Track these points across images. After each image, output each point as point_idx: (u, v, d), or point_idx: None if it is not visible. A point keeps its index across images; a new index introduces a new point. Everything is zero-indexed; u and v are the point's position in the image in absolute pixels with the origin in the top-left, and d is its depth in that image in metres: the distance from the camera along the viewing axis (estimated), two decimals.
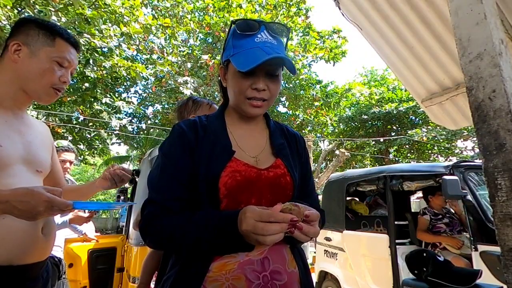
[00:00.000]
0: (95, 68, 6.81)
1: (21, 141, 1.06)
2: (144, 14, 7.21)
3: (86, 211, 2.44)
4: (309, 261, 5.01)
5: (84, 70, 6.82)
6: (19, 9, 5.64)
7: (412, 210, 4.72)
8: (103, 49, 7.01)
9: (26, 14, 5.36)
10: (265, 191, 0.89)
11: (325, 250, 4.36)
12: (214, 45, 11.82)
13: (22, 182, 1.00)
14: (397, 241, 3.33)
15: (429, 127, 14.19)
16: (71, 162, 2.64)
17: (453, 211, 3.74)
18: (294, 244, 0.92)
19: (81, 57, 6.81)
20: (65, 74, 1.11)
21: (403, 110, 15.32)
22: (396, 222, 3.47)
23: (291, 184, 0.92)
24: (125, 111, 11.87)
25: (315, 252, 4.78)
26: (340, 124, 17.56)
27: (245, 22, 0.91)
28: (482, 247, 2.60)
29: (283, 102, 13.76)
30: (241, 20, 0.93)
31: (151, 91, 11.67)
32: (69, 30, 1.18)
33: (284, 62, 0.88)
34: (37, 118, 7.90)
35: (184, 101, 1.42)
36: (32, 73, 1.06)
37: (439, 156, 16.63)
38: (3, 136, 1.01)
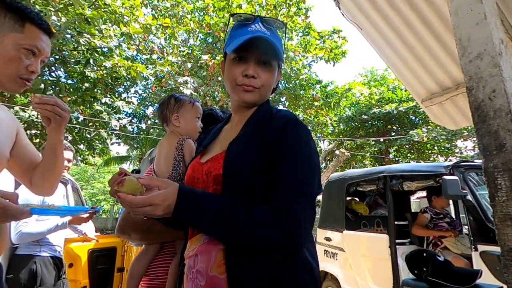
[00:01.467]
0: (95, 68, 6.81)
1: None
2: (144, 14, 7.21)
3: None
4: None
5: (84, 70, 6.82)
6: None
7: (412, 210, 4.72)
8: (103, 49, 7.01)
9: None
10: (201, 185, 0.90)
11: (325, 250, 4.36)
12: (214, 45, 11.81)
13: None
14: (397, 241, 3.33)
15: (429, 127, 14.19)
16: (69, 161, 2.65)
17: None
18: (233, 246, 0.81)
19: (81, 57, 6.82)
20: (34, 63, 0.99)
21: (403, 110, 15.31)
22: (396, 222, 3.47)
23: (220, 175, 0.85)
24: (125, 111, 11.87)
25: None
26: (340, 124, 17.55)
27: (240, 14, 0.96)
28: (482, 247, 2.60)
29: (283, 102, 13.76)
30: (238, 13, 0.97)
31: (151, 91, 11.67)
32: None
33: (269, 43, 0.88)
34: (36, 118, 7.90)
35: (165, 99, 1.34)
36: None
37: (439, 156, 16.63)
38: None
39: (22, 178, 1.16)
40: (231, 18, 0.98)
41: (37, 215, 1.05)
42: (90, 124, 9.48)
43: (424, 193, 4.60)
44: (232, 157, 0.86)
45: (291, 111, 0.97)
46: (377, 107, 16.36)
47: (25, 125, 7.86)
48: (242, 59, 0.91)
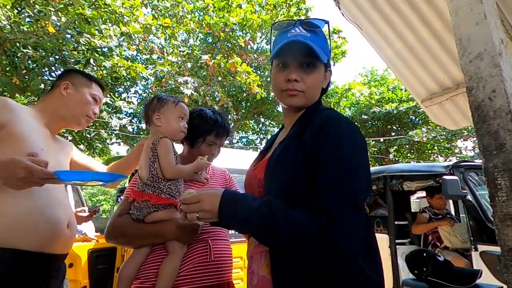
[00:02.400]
0: (95, 68, 6.80)
1: (54, 157, 1.33)
2: (144, 14, 7.20)
3: (86, 210, 2.43)
4: None
5: (84, 70, 6.81)
6: (19, 9, 5.64)
7: (412, 210, 4.72)
8: (103, 49, 7.01)
9: (26, 14, 5.36)
10: (252, 189, 0.97)
11: None
12: (214, 45, 11.82)
13: (54, 185, 1.20)
14: (397, 241, 3.33)
15: (429, 127, 14.19)
16: None
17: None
18: (274, 249, 0.84)
19: (81, 57, 6.81)
20: (96, 109, 1.48)
21: (403, 110, 15.31)
22: (396, 222, 3.47)
23: (262, 180, 0.90)
24: (125, 111, 11.87)
25: None
26: None
27: (281, 22, 0.99)
28: (482, 247, 2.60)
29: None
30: (279, 21, 1.00)
31: (151, 91, 11.66)
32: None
33: (306, 45, 0.87)
34: None
35: (149, 99, 1.35)
36: (76, 103, 1.40)
37: (439, 156, 16.63)
38: (44, 144, 1.28)
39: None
40: (272, 28, 1.00)
41: (64, 180, 1.10)
42: (90, 124, 9.49)
43: (424, 193, 4.59)
44: (273, 161, 0.89)
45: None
46: (377, 107, 16.35)
47: None
48: (284, 65, 0.93)
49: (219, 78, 9.80)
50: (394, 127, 16.90)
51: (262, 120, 15.51)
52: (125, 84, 10.69)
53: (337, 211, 0.75)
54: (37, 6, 5.36)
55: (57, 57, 6.82)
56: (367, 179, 0.83)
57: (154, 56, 10.58)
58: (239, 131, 15.45)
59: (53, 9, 5.37)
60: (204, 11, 11.66)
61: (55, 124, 1.40)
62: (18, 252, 1.09)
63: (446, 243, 3.25)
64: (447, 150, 15.72)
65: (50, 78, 7.92)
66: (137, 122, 13.72)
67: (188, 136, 1.33)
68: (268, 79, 12.07)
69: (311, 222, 0.75)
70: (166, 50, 10.24)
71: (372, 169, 4.15)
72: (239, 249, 3.13)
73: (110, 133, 11.20)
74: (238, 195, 0.85)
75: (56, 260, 1.25)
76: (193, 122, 1.35)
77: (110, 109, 9.63)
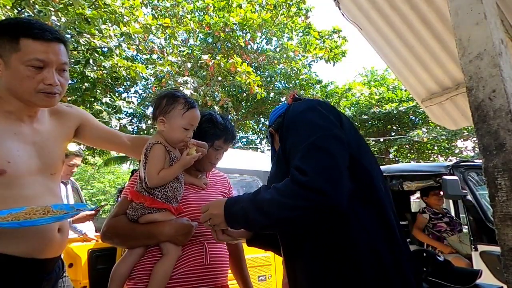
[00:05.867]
0: (95, 68, 6.80)
1: (35, 153, 1.06)
2: (144, 14, 7.21)
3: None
4: None
5: (84, 70, 6.81)
6: (19, 9, 5.64)
7: (412, 210, 4.72)
8: (103, 49, 7.01)
9: (26, 14, 5.36)
10: None
11: None
12: (214, 45, 11.82)
13: (37, 191, 1.06)
14: None
15: (429, 127, 14.19)
16: (77, 166, 2.78)
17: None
18: (275, 229, 0.99)
19: (81, 57, 6.82)
20: (47, 75, 0.97)
21: (403, 110, 15.31)
22: None
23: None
24: (125, 111, 11.87)
25: None
26: None
27: None
28: (482, 247, 2.60)
29: (283, 102, 13.75)
30: None
31: (151, 91, 11.66)
32: (63, 29, 1.15)
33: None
34: None
35: (161, 95, 1.26)
36: (14, 84, 0.97)
37: (439, 156, 16.63)
38: (13, 150, 0.99)
39: (117, 148, 1.45)
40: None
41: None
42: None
43: None
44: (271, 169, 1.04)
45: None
46: (377, 107, 16.35)
47: None
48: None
49: (219, 78, 9.80)
50: (394, 127, 16.90)
51: (262, 120, 15.51)
52: (125, 84, 10.69)
53: (302, 162, 0.78)
54: (37, 6, 5.36)
55: None
56: (326, 132, 0.83)
57: (154, 56, 10.58)
58: (239, 131, 15.45)
59: (53, 9, 5.36)
60: (204, 11, 11.66)
61: (21, 111, 1.04)
62: (6, 257, 1.03)
63: (459, 247, 3.24)
64: (447, 150, 15.73)
65: None
66: (137, 122, 13.71)
67: (195, 139, 1.30)
68: (268, 79, 12.08)
69: (286, 182, 0.81)
70: (166, 50, 10.24)
71: None
72: None
73: None
74: (241, 196, 0.93)
75: (48, 264, 1.18)
76: (203, 126, 1.31)
77: (110, 109, 9.62)
